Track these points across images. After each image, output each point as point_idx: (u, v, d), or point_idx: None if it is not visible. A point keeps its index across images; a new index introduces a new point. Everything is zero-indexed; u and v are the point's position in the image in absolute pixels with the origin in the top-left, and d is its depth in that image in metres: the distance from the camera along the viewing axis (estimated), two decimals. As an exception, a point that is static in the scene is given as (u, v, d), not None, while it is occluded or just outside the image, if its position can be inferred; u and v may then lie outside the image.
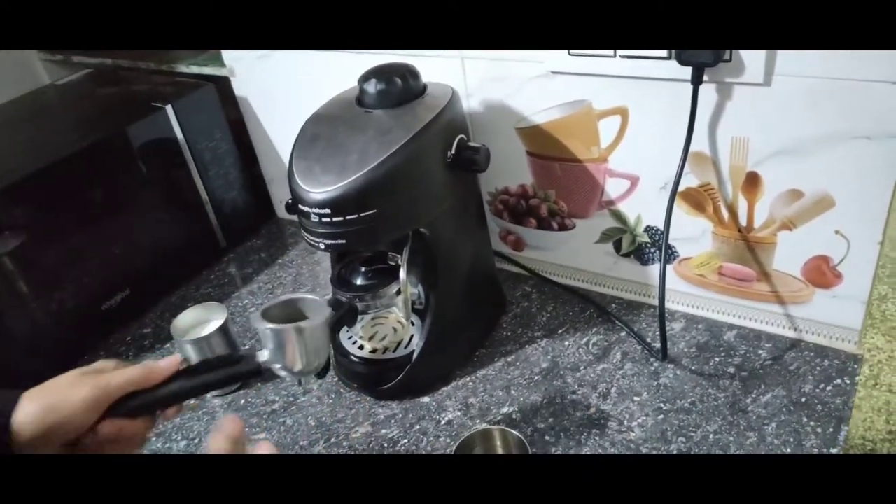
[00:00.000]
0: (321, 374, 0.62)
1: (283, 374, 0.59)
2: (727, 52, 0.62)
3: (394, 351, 0.78)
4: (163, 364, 0.56)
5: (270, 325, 0.57)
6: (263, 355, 0.58)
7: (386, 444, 0.71)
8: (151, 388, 0.54)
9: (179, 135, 0.96)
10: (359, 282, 0.74)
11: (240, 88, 1.03)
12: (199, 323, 0.82)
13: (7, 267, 0.81)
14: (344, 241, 0.66)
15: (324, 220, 0.65)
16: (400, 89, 0.70)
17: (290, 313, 0.61)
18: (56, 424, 0.50)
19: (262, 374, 0.59)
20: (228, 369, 0.58)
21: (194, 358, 0.78)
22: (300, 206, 0.66)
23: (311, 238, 0.67)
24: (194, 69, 1.05)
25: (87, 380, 0.52)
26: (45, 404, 0.50)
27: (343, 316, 0.68)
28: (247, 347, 0.87)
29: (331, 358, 0.65)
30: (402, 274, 0.71)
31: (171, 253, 1.00)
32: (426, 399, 0.76)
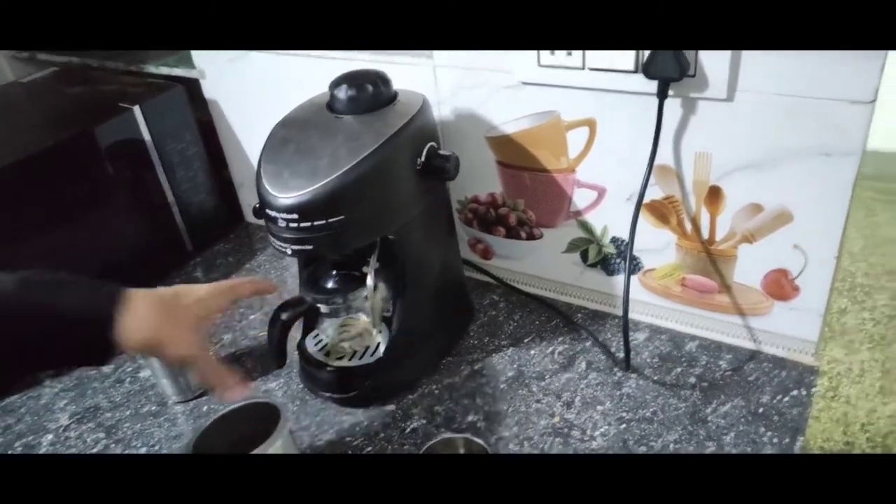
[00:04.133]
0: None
1: None
2: (692, 67, 0.63)
3: (360, 358, 0.77)
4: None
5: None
6: None
7: (350, 452, 0.71)
8: None
9: (147, 136, 0.95)
10: (329, 284, 0.74)
11: (210, 91, 1.02)
12: (163, 327, 0.80)
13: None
14: (311, 247, 0.66)
15: (291, 225, 0.64)
16: (371, 95, 0.70)
17: (244, 429, 0.61)
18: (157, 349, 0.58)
19: None
20: None
21: (157, 364, 0.77)
22: (268, 211, 0.66)
23: (279, 243, 0.67)
24: (164, 70, 1.04)
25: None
26: (155, 326, 0.56)
27: (304, 314, 0.68)
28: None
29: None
30: (370, 281, 0.70)
31: (135, 256, 0.98)
32: (391, 407, 0.75)
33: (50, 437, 0.77)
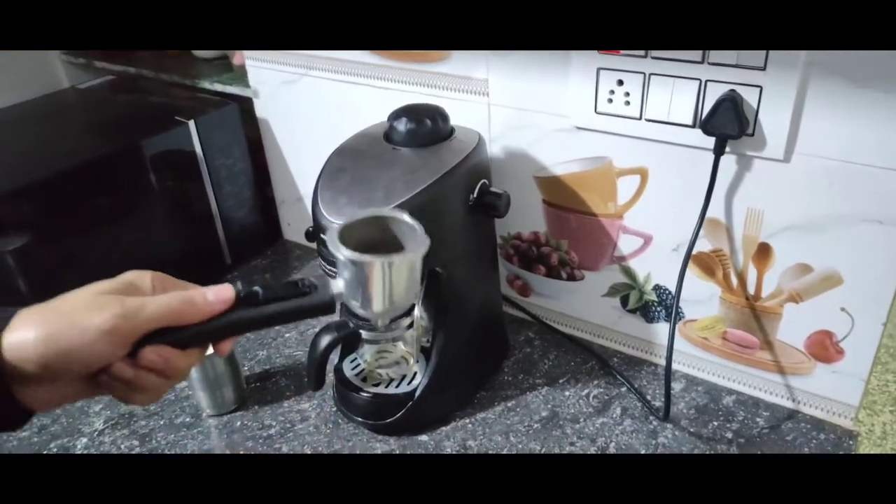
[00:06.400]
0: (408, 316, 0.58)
1: (359, 311, 0.50)
2: (751, 126, 0.64)
3: (396, 386, 0.78)
4: (211, 297, 0.46)
5: (351, 255, 0.47)
6: (338, 286, 0.48)
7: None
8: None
9: (199, 150, 0.97)
10: None
11: (261, 110, 1.04)
12: (203, 340, 0.81)
13: (8, 265, 0.80)
14: (362, 274, 0.66)
15: (344, 251, 0.65)
16: (429, 130, 0.71)
17: (377, 235, 0.51)
18: (63, 355, 0.40)
19: (334, 309, 0.49)
20: (299, 300, 0.48)
21: (195, 376, 0.78)
22: (322, 236, 0.67)
23: (330, 268, 0.68)
24: (218, 87, 1.06)
25: (110, 303, 0.42)
26: (47, 331, 0.40)
27: (346, 339, 0.68)
28: (250, 364, 0.86)
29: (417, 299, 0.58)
30: (417, 311, 0.71)
31: (176, 265, 0.97)
32: (424, 437, 0.76)
33: (84, 440, 0.78)
